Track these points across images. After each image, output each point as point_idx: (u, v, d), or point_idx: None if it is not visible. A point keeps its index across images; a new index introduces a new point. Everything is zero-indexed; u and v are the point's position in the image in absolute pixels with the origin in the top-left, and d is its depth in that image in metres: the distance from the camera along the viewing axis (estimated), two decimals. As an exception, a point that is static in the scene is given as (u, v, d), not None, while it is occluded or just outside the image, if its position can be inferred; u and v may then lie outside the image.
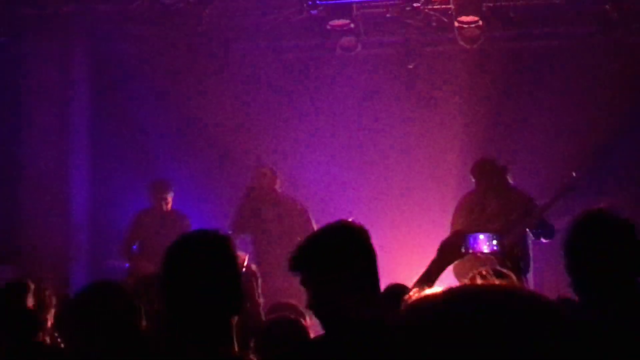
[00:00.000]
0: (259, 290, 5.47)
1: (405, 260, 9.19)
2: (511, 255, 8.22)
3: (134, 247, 10.30)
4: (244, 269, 5.19)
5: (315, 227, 9.77)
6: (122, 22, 11.07)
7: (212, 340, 2.94)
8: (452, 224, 8.98)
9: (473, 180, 9.14)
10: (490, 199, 8.95)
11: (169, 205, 10.37)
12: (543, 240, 8.83)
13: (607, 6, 10.00)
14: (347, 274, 3.23)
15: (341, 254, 3.27)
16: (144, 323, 3.62)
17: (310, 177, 11.61)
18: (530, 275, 9.07)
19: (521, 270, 8.37)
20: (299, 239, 9.38)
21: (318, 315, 3.34)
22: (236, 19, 11.01)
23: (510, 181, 9.06)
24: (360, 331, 3.08)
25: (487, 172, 8.95)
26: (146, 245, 10.16)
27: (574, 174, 8.78)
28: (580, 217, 3.33)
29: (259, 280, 5.51)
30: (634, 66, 10.69)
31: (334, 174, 11.68)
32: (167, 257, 3.14)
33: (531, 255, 9.07)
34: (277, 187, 10.07)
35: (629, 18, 10.17)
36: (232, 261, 3.16)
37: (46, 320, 5.08)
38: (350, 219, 3.54)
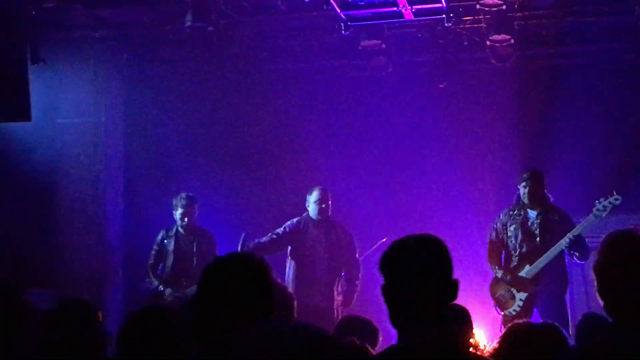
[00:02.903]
0: (294, 313, 5.46)
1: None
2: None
3: (160, 267, 10.20)
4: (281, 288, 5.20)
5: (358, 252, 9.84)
6: (155, 45, 11.17)
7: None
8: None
9: (520, 186, 9.01)
10: (533, 211, 8.94)
11: (193, 219, 10.08)
12: (577, 260, 8.80)
13: (639, 22, 9.93)
14: (430, 285, 3.13)
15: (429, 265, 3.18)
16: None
17: (341, 198, 11.58)
18: (567, 297, 9.03)
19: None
20: (344, 259, 9.52)
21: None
22: (268, 40, 11.06)
23: (549, 196, 9.05)
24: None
25: (537, 183, 8.93)
26: (169, 264, 10.09)
27: (614, 193, 8.72)
28: (609, 238, 3.38)
29: (295, 302, 5.50)
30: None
31: (365, 195, 11.63)
32: (202, 282, 3.23)
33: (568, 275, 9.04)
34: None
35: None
36: (266, 286, 3.20)
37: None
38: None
